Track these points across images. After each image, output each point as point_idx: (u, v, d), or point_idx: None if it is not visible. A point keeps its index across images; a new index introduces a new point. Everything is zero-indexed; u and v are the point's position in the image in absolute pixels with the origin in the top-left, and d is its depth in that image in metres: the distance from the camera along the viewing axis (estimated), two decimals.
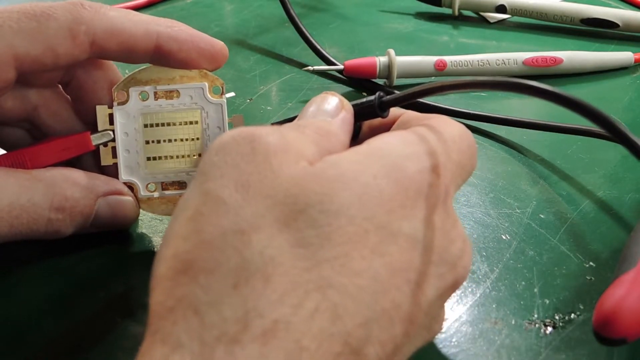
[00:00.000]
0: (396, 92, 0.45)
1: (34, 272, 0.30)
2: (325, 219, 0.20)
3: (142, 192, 0.31)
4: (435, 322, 0.24)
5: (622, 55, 0.48)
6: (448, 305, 0.29)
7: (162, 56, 0.29)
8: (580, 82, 0.47)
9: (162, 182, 0.31)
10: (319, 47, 0.48)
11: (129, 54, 0.29)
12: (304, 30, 0.49)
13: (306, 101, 0.44)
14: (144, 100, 0.30)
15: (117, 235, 0.32)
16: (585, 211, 0.34)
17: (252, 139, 0.21)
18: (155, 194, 0.31)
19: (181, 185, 0.31)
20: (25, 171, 0.28)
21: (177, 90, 0.30)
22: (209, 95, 0.30)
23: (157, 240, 0.32)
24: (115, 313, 0.28)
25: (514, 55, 0.46)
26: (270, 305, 0.18)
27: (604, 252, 0.32)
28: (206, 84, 0.30)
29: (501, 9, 0.55)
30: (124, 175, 0.31)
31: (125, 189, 0.31)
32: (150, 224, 0.33)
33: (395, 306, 0.20)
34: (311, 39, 0.48)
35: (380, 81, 0.46)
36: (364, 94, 0.46)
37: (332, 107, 0.26)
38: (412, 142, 0.23)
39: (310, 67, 0.46)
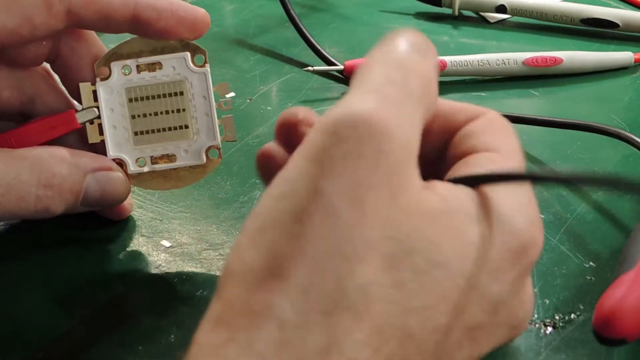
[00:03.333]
0: None
1: (34, 272, 0.30)
2: (428, 266, 0.19)
3: (132, 168, 0.30)
4: None
5: (622, 55, 0.48)
6: None
7: (140, 25, 0.29)
8: (580, 82, 0.47)
9: (151, 156, 0.30)
10: (319, 47, 0.48)
11: (106, 23, 0.29)
12: (304, 30, 0.49)
13: (306, 101, 0.44)
14: (126, 75, 0.30)
15: (117, 236, 0.32)
16: (585, 211, 0.34)
17: (374, 136, 0.19)
18: (145, 169, 0.30)
19: (170, 158, 0.31)
20: (9, 150, 0.28)
21: (159, 62, 0.30)
22: (191, 65, 0.30)
23: (156, 240, 0.32)
24: (115, 313, 0.28)
25: (514, 55, 0.46)
26: (353, 345, 0.18)
27: (604, 252, 0.32)
28: (188, 54, 0.30)
29: (501, 9, 0.55)
30: (112, 152, 0.30)
31: (114, 165, 0.30)
32: (150, 224, 0.33)
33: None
34: (311, 39, 0.48)
35: None
36: None
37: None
38: (524, 195, 0.22)
39: (310, 68, 0.46)
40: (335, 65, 0.46)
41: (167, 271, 0.31)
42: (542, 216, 0.34)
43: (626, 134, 0.37)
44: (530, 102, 0.45)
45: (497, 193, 0.21)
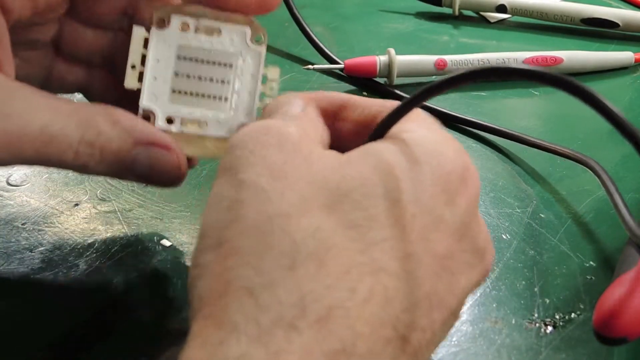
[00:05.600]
0: (397, 92, 0.45)
1: (34, 272, 0.30)
2: (370, 201, 0.20)
3: (160, 123, 0.29)
4: (461, 310, 0.23)
5: (623, 55, 0.48)
6: None
7: None
8: (580, 81, 0.47)
9: (182, 118, 0.29)
10: (322, 45, 0.48)
11: None
12: (308, 29, 0.49)
13: None
14: (183, 31, 0.29)
15: (117, 234, 0.32)
16: (585, 211, 0.34)
17: (269, 132, 0.21)
18: (173, 128, 0.29)
19: (201, 125, 0.29)
20: (66, 100, 0.26)
21: (219, 29, 0.29)
22: (249, 42, 0.29)
23: (157, 240, 0.32)
24: (115, 313, 0.28)
25: (514, 55, 0.46)
26: (326, 290, 0.18)
27: (604, 252, 0.32)
28: (249, 29, 0.29)
29: (501, 8, 0.55)
30: (145, 101, 0.29)
31: (172, 145, 0.28)
32: (150, 223, 0.33)
33: (434, 292, 0.20)
34: (314, 37, 0.48)
35: (381, 80, 0.46)
36: (365, 93, 0.46)
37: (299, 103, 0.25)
38: (436, 129, 0.23)
39: (311, 66, 0.46)
40: (336, 63, 0.46)
41: (167, 270, 0.31)
42: (542, 215, 0.34)
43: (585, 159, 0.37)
44: (531, 102, 0.45)
45: (414, 134, 0.22)
